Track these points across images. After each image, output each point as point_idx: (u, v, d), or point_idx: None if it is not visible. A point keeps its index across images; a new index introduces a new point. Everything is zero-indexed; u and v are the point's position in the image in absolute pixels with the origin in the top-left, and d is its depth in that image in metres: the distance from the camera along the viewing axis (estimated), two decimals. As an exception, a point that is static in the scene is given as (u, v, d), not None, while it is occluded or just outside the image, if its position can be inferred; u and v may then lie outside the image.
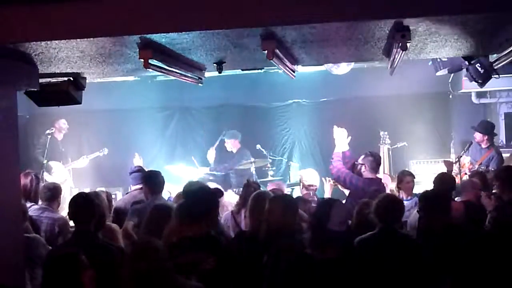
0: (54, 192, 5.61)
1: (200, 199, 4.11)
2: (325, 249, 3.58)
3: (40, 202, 5.47)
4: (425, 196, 4.54)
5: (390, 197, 4.40)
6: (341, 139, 6.45)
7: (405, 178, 6.43)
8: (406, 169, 7.07)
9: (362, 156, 6.29)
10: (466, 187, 5.73)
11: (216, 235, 4.12)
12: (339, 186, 6.56)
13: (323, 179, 6.84)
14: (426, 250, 4.09)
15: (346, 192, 6.39)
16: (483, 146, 7.95)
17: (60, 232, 5.20)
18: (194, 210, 3.98)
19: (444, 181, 5.64)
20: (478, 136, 7.96)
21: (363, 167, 6.23)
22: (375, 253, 3.95)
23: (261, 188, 5.67)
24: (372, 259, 3.83)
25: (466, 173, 7.53)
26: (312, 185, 6.22)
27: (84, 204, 4.08)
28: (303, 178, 6.37)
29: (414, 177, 6.60)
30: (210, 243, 3.86)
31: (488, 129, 8.04)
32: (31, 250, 4.50)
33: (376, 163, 6.30)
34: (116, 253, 4.04)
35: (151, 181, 5.68)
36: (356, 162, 6.33)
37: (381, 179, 6.42)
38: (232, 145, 9.33)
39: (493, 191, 5.70)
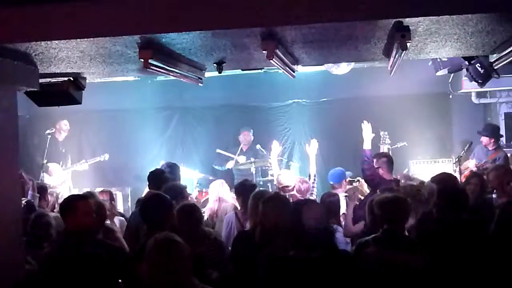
0: (40, 192, 5.64)
1: (153, 206, 4.17)
2: (308, 250, 3.59)
3: None
4: (444, 191, 4.41)
5: (396, 196, 4.35)
6: (367, 135, 6.42)
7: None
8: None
9: (375, 159, 6.23)
10: None
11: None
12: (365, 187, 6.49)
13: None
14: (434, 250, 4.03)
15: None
16: (490, 148, 8.00)
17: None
18: (153, 219, 4.03)
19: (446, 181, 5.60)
20: (485, 139, 8.00)
21: (380, 170, 6.14)
22: (377, 257, 3.92)
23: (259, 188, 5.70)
24: (373, 263, 3.81)
25: (472, 170, 7.54)
26: (287, 186, 6.19)
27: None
28: (279, 179, 6.34)
29: None
30: None
31: (495, 132, 8.08)
32: None
33: (390, 162, 6.27)
34: (117, 252, 4.05)
35: (153, 180, 5.66)
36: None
37: (398, 180, 6.31)
38: (244, 137, 9.38)
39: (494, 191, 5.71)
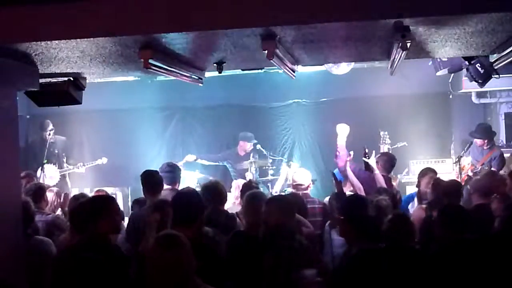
0: (38, 193, 5.62)
1: (190, 204, 4.12)
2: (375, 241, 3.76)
3: None
4: (447, 211, 4.27)
5: (403, 218, 4.31)
6: (343, 134, 6.57)
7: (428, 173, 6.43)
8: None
9: (378, 155, 6.52)
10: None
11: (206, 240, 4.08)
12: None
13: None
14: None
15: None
16: (485, 147, 8.01)
17: (53, 233, 5.19)
18: (183, 214, 3.99)
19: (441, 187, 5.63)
20: (478, 141, 8.02)
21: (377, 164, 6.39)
22: (380, 265, 3.92)
23: (261, 189, 5.70)
24: (376, 271, 3.82)
25: (468, 175, 7.56)
26: (300, 185, 6.21)
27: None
28: (293, 177, 6.38)
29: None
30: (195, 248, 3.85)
31: (486, 132, 8.08)
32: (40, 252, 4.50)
33: (389, 164, 6.51)
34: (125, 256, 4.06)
35: (148, 181, 5.63)
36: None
37: (390, 178, 6.47)
38: (241, 147, 9.33)
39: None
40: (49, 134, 8.82)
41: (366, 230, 3.91)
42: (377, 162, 6.43)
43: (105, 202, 4.09)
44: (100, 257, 3.51)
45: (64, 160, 9.18)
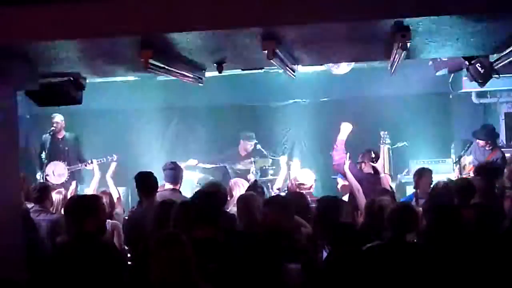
0: (43, 192, 5.62)
1: (214, 202, 4.12)
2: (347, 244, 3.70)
3: (32, 204, 5.46)
4: (438, 211, 4.33)
5: (406, 206, 4.31)
6: (345, 131, 6.58)
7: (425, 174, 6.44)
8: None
9: (361, 155, 6.48)
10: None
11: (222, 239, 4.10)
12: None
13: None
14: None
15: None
16: (487, 148, 8.01)
17: (58, 233, 5.18)
18: (205, 212, 3.99)
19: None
20: (481, 141, 8.01)
21: (363, 164, 6.43)
22: (383, 262, 3.91)
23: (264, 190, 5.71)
24: (379, 268, 3.81)
25: (469, 175, 7.55)
26: (303, 184, 6.19)
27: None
28: (296, 177, 6.38)
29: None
30: (213, 247, 3.84)
31: (490, 134, 8.07)
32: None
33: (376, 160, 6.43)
34: (118, 253, 4.05)
35: (143, 183, 5.59)
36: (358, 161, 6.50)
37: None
38: (242, 147, 9.31)
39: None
40: (50, 132, 8.79)
41: (336, 234, 3.86)
42: (362, 162, 6.46)
43: (90, 201, 4.06)
44: (88, 256, 3.52)
45: (76, 157, 9.08)
